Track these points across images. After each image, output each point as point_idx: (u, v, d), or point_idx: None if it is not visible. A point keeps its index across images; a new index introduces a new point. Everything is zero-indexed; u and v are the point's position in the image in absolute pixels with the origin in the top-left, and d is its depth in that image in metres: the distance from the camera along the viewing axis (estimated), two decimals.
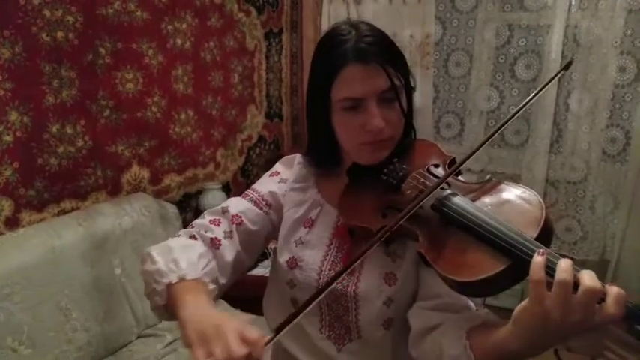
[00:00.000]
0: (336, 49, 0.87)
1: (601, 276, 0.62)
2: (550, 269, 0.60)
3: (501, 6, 2.64)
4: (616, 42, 2.36)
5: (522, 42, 2.66)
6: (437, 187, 0.78)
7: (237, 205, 0.99)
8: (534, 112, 2.57)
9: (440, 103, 2.88)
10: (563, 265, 0.59)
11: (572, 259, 0.64)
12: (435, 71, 2.78)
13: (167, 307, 0.82)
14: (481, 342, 0.72)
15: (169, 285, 0.81)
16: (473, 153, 0.83)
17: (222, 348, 0.62)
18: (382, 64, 0.85)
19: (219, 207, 0.99)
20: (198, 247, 0.91)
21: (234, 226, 0.96)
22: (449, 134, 2.90)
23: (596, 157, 2.50)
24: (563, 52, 2.48)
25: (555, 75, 0.93)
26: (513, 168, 2.70)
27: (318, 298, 0.70)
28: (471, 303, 0.83)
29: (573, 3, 2.45)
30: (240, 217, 0.97)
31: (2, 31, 1.47)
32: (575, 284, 0.59)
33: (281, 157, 1.11)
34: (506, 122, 0.87)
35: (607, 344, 0.61)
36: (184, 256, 0.85)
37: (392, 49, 0.89)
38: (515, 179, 2.64)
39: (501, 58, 2.71)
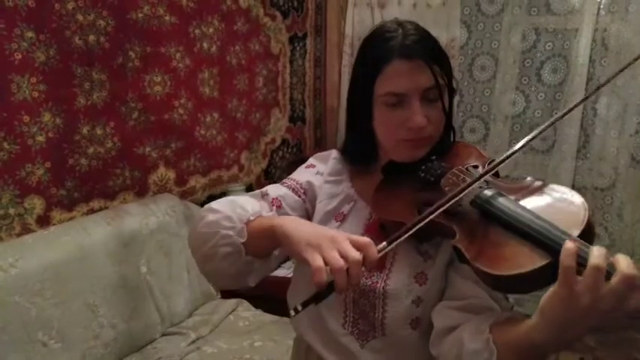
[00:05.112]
0: (382, 46, 0.88)
1: None
2: (582, 259, 0.58)
3: (528, 9, 2.61)
4: None
5: (549, 46, 2.62)
6: (480, 179, 0.77)
7: (276, 190, 0.99)
8: None
9: (464, 108, 2.86)
10: (597, 252, 0.58)
11: None
12: (459, 75, 2.77)
13: (247, 244, 0.81)
14: (504, 337, 0.70)
15: (248, 222, 0.82)
16: (519, 149, 0.81)
17: (338, 254, 0.65)
18: (427, 61, 0.86)
19: (258, 191, 0.99)
20: (257, 204, 0.91)
21: (274, 208, 0.95)
22: (473, 139, 2.87)
23: (625, 163, 2.45)
24: (591, 57, 2.44)
25: (628, 64, 0.88)
26: (539, 173, 2.65)
27: (438, 212, 0.72)
28: (497, 306, 0.81)
29: (602, 6, 2.41)
30: (280, 200, 0.97)
31: (38, 35, 1.52)
32: (608, 271, 0.57)
33: (304, 160, 1.11)
34: (562, 116, 0.84)
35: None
36: (249, 205, 0.86)
37: (437, 49, 0.90)
38: None
39: (527, 62, 2.68)
